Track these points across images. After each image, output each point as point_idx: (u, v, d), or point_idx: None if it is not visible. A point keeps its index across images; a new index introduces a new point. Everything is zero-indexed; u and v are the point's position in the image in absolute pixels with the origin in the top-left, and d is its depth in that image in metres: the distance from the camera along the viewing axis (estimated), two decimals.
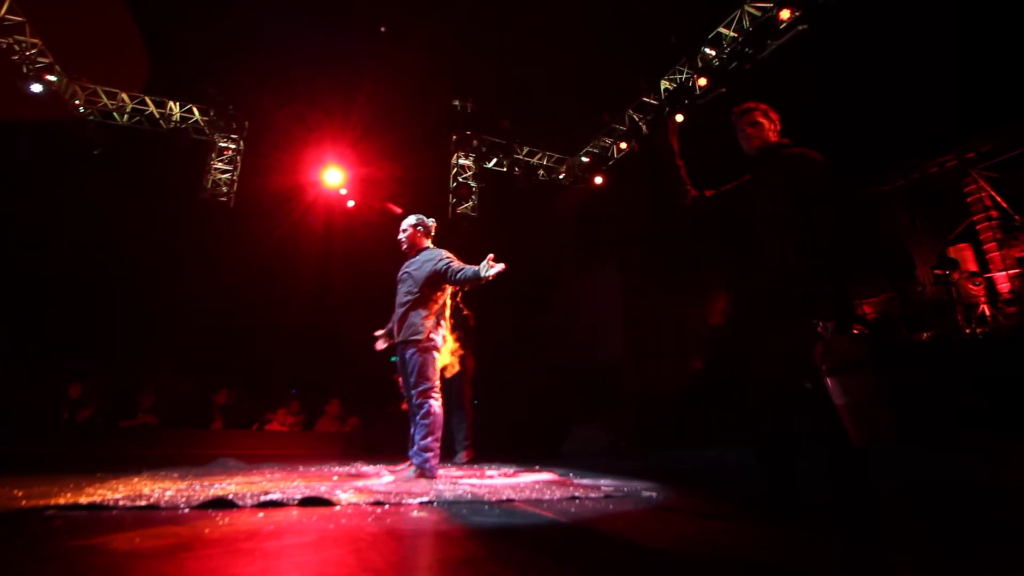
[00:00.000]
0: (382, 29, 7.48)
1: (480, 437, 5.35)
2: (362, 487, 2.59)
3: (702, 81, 7.45)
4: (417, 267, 3.54)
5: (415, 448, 3.28)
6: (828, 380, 1.97)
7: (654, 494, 2.59)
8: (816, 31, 6.24)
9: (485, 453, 5.32)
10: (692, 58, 7.58)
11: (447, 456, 5.44)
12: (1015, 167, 6.56)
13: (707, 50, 7.37)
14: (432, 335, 3.39)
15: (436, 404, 3.32)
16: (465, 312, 5.58)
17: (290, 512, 1.95)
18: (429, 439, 3.24)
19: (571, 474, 3.58)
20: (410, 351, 3.37)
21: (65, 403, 6.93)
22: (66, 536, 1.55)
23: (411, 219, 3.74)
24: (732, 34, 7.05)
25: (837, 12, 6.07)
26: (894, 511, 2.22)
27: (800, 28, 6.34)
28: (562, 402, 8.41)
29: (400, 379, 3.50)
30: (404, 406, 3.57)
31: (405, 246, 3.71)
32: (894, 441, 1.91)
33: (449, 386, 5.43)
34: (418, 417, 3.31)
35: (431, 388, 3.34)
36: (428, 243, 3.72)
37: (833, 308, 1.99)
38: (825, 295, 2.02)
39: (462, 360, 5.37)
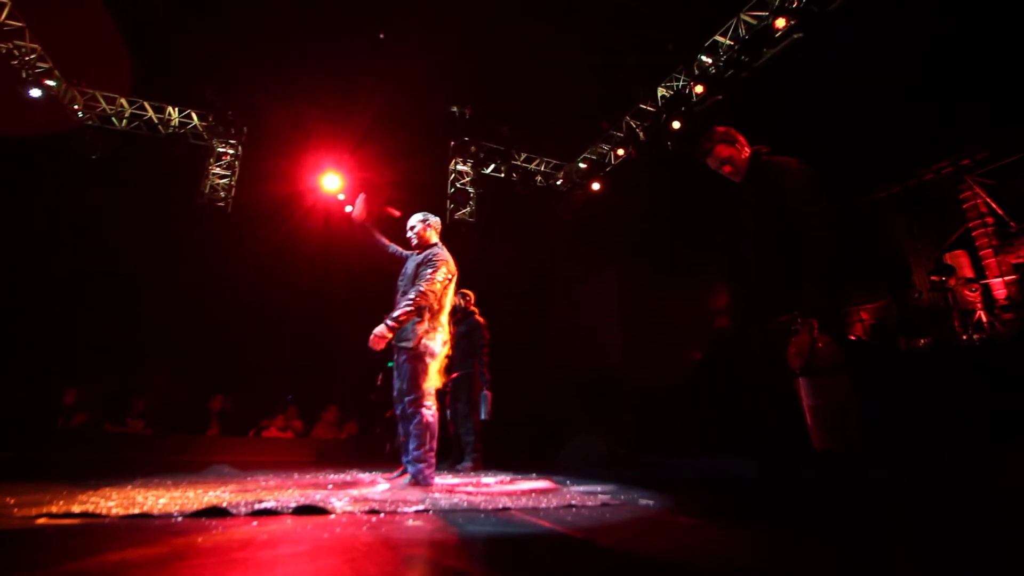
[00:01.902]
0: (380, 36, 7.51)
1: (457, 440, 5.33)
2: (357, 495, 2.58)
3: (699, 88, 7.50)
4: (413, 266, 3.44)
5: (409, 457, 3.24)
6: (800, 381, 1.97)
7: (651, 502, 2.58)
8: (812, 39, 6.29)
9: (482, 460, 5.30)
10: (689, 66, 7.63)
11: (455, 463, 5.40)
12: (1011, 174, 6.60)
13: (704, 58, 7.42)
14: (425, 341, 3.25)
15: (428, 413, 3.22)
16: (481, 321, 5.48)
17: (284, 521, 1.93)
18: (422, 449, 3.16)
19: (568, 482, 3.56)
20: (401, 358, 3.29)
21: (60, 408, 6.90)
22: (58, 544, 1.53)
23: (419, 216, 3.64)
24: (728, 42, 7.11)
25: (833, 21, 6.12)
26: (893, 517, 2.22)
27: (795, 36, 6.39)
28: (560, 408, 8.39)
29: (380, 381, 3.41)
30: (389, 413, 3.49)
31: (415, 242, 3.59)
32: (865, 446, 1.90)
33: (457, 398, 5.38)
34: (411, 427, 3.23)
35: (423, 397, 3.23)
36: (435, 239, 3.61)
37: (813, 311, 1.98)
38: (810, 303, 2.01)
39: (473, 370, 5.31)
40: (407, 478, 3.21)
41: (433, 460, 3.23)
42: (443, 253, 3.48)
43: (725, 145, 2.40)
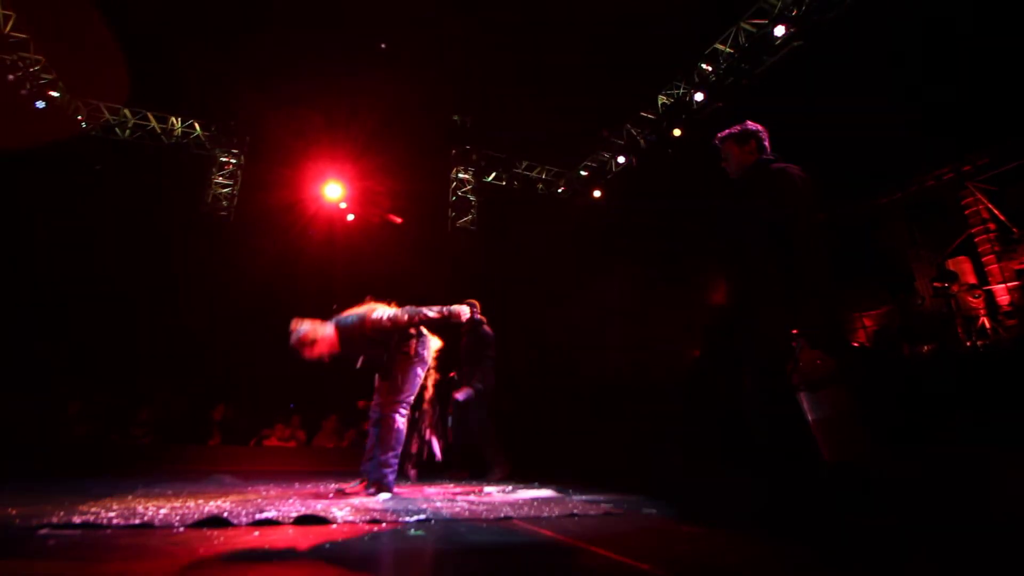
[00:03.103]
0: (382, 46, 7.58)
1: (477, 453, 5.29)
2: (358, 505, 2.57)
3: (699, 96, 7.54)
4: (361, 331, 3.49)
5: (375, 461, 3.23)
6: (800, 395, 1.97)
7: (654, 511, 2.56)
8: (812, 47, 6.32)
9: (482, 468, 5.25)
10: (689, 74, 7.67)
11: (455, 473, 5.36)
12: (1012, 180, 6.60)
13: (704, 66, 7.47)
14: (420, 349, 3.37)
15: (401, 420, 3.26)
16: (489, 331, 5.47)
17: (286, 531, 1.93)
18: (389, 454, 3.18)
19: (570, 490, 3.54)
20: (402, 362, 3.33)
21: (63, 419, 6.88)
22: (59, 555, 1.53)
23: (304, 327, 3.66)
24: (728, 50, 7.15)
25: (832, 28, 6.15)
26: (897, 528, 2.20)
27: (795, 44, 6.42)
28: (562, 417, 8.35)
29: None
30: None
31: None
32: (867, 458, 1.90)
33: (468, 408, 5.35)
34: (381, 429, 3.25)
35: (403, 403, 3.28)
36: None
37: (802, 323, 1.98)
38: (799, 311, 2.00)
39: (483, 377, 5.29)
40: (368, 484, 3.21)
41: (395, 464, 3.25)
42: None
43: (732, 143, 2.46)
